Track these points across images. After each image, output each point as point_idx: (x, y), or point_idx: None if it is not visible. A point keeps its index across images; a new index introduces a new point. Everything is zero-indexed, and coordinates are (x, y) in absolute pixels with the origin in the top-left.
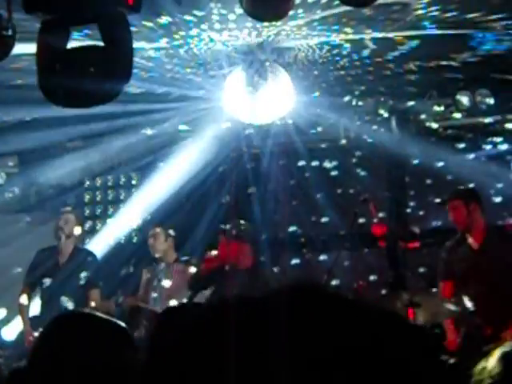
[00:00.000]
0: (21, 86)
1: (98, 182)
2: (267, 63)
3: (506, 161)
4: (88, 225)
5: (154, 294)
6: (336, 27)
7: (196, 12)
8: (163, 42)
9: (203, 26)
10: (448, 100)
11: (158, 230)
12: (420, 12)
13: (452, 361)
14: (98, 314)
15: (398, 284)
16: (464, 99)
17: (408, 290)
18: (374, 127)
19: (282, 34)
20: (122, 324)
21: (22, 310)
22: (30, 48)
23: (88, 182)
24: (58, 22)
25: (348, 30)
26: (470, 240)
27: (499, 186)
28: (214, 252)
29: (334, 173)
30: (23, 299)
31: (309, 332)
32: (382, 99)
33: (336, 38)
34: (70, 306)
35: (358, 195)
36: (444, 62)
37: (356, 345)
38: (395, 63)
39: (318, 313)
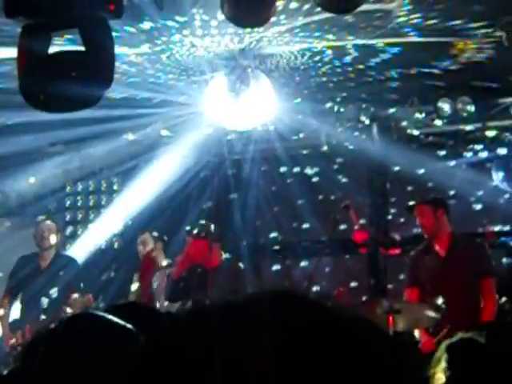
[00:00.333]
0: (2, 90)
1: (79, 187)
2: (249, 69)
3: (486, 168)
4: (69, 230)
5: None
6: (318, 34)
7: (178, 18)
8: (145, 48)
9: (185, 32)
10: (429, 107)
11: (146, 235)
12: (402, 19)
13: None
14: (104, 314)
15: (378, 290)
16: (445, 106)
17: (388, 297)
18: (356, 134)
19: (263, 40)
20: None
21: (2, 318)
22: (11, 52)
23: (69, 187)
24: (39, 26)
25: (330, 36)
26: (437, 247)
27: (480, 193)
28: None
29: (315, 179)
30: (3, 308)
31: (290, 339)
32: (364, 106)
33: (318, 45)
34: (49, 306)
35: (339, 202)
36: (425, 70)
37: (333, 353)
38: (377, 70)
39: (296, 320)
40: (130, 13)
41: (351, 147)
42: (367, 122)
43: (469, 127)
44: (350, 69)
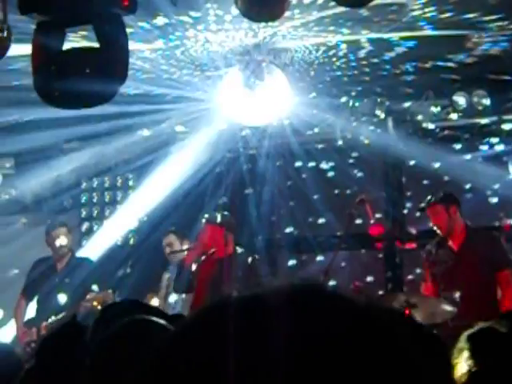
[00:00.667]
0: (16, 87)
1: (95, 183)
2: (264, 64)
3: (502, 162)
4: (85, 226)
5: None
6: (332, 28)
7: (192, 13)
8: (159, 43)
9: (199, 27)
10: (445, 101)
11: (171, 237)
12: (417, 12)
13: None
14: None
15: (394, 285)
16: (461, 100)
17: (405, 291)
18: (371, 128)
19: (278, 34)
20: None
21: (17, 317)
22: (26, 49)
23: (85, 184)
24: (53, 23)
25: (344, 30)
26: (450, 242)
27: (496, 186)
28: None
29: (330, 174)
30: (19, 307)
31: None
32: (379, 100)
33: (332, 39)
34: (66, 303)
35: (354, 196)
36: (440, 63)
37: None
38: (392, 64)
39: (320, 312)
40: (143, 8)
41: (366, 141)
42: (382, 116)
43: (484, 120)
44: (364, 62)
